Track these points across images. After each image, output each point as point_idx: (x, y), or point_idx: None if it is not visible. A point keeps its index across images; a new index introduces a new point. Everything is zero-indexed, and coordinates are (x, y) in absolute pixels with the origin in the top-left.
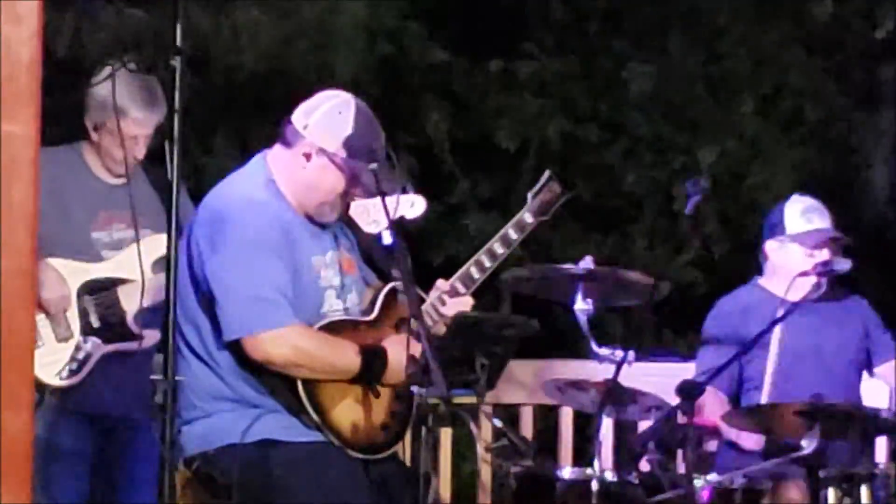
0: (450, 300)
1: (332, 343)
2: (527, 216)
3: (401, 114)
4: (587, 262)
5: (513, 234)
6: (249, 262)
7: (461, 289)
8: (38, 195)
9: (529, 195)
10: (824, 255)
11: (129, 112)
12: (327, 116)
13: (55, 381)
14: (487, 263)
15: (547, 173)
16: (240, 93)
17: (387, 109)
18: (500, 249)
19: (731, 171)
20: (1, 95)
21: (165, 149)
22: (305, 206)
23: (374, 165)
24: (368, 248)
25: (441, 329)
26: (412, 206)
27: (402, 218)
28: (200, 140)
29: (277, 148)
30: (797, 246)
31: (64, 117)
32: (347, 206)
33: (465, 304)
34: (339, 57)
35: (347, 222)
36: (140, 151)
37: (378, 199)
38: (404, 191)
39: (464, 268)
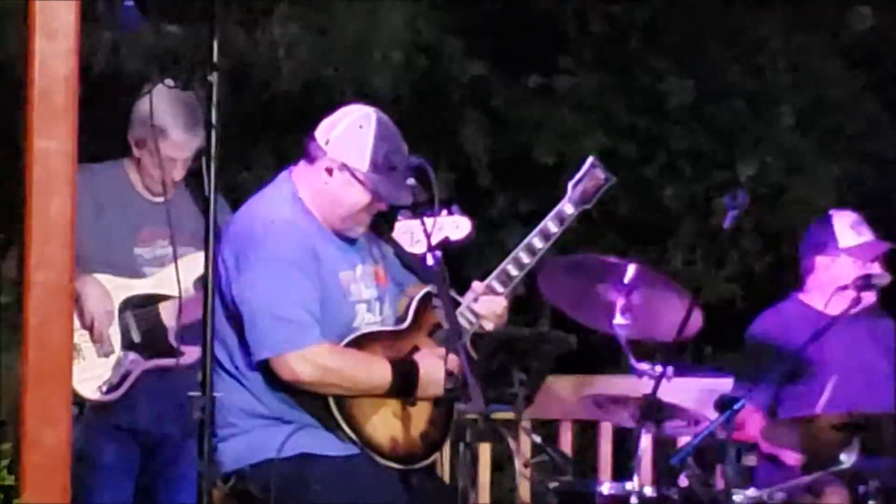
0: (483, 298)
1: (362, 360)
2: (567, 206)
3: (439, 129)
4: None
5: (552, 227)
6: (274, 281)
7: (498, 288)
8: (74, 211)
9: (570, 184)
10: (875, 268)
11: (169, 133)
12: (348, 131)
13: (95, 396)
14: (526, 260)
15: (590, 159)
16: (277, 108)
17: (425, 125)
18: (539, 244)
19: (771, 185)
20: (35, 111)
21: (202, 165)
22: (330, 221)
23: (411, 181)
24: (409, 262)
25: (484, 324)
26: (457, 227)
27: (446, 239)
28: (238, 155)
29: (302, 164)
30: (850, 260)
31: (107, 133)
32: (390, 223)
33: (498, 303)
34: (377, 72)
35: (378, 234)
36: (178, 174)
37: (426, 220)
38: (450, 212)
39: (502, 265)
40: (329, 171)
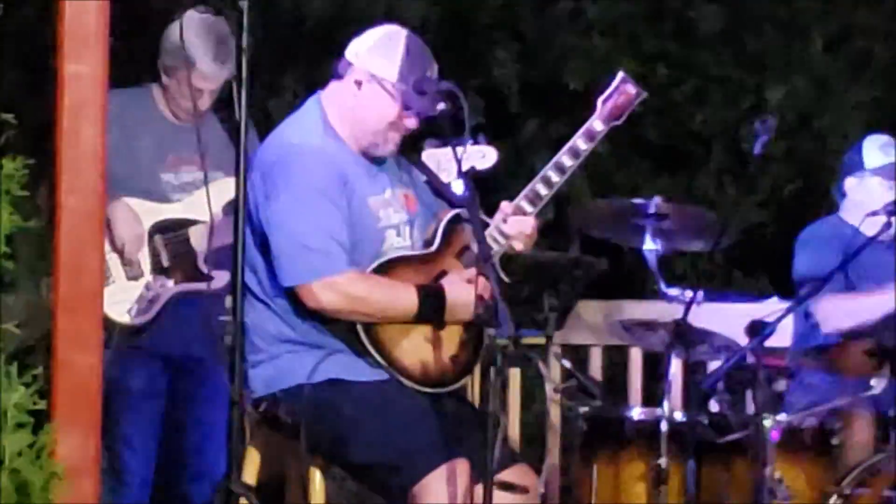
0: (511, 218)
1: (387, 287)
2: (596, 123)
3: (468, 55)
4: (656, 200)
5: (581, 145)
6: (301, 210)
7: (527, 207)
8: (105, 137)
9: (599, 100)
10: None
11: (198, 63)
12: (378, 43)
13: (124, 319)
14: (555, 178)
15: (620, 74)
16: (308, 34)
17: (454, 51)
18: (568, 162)
19: (800, 110)
20: (66, 34)
21: (233, 90)
22: (359, 139)
23: (441, 105)
24: (439, 187)
25: (514, 244)
26: (483, 157)
27: (472, 169)
28: (269, 82)
29: (331, 85)
30: (878, 180)
31: (136, 58)
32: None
33: (527, 222)
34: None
35: (408, 157)
36: (205, 103)
37: (448, 149)
38: (475, 141)
39: (530, 184)
40: (358, 84)
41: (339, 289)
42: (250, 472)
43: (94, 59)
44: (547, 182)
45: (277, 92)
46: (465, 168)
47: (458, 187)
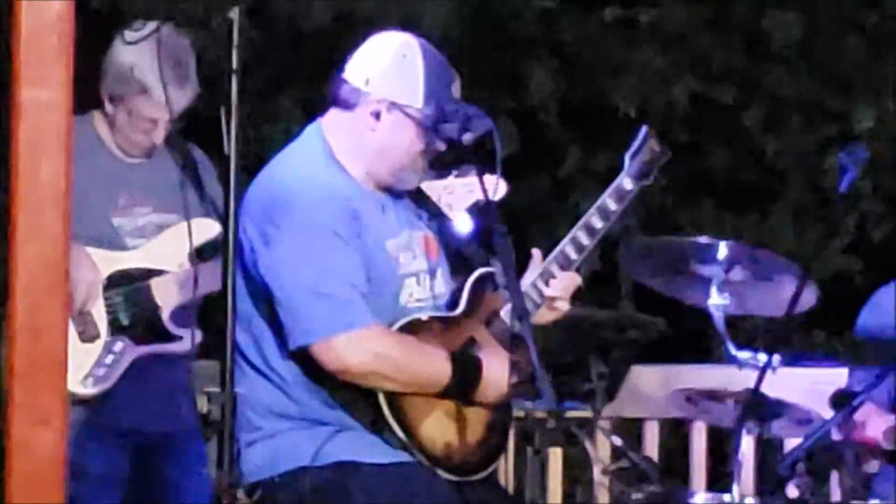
0: (555, 279)
1: (419, 349)
2: (626, 182)
3: (499, 72)
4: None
5: (611, 205)
6: (313, 253)
7: (557, 272)
8: (70, 172)
9: (627, 156)
10: None
11: (151, 90)
12: (392, 63)
13: (81, 390)
14: (585, 241)
15: (644, 129)
16: (308, 49)
17: (482, 67)
18: (598, 224)
19: (893, 138)
20: (21, 57)
21: (221, 117)
22: (379, 175)
23: (468, 136)
24: (446, 235)
25: (544, 316)
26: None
27: (479, 203)
28: (262, 105)
29: (333, 113)
30: None
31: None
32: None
33: (571, 279)
34: (425, 6)
35: (420, 195)
36: (159, 136)
37: (449, 181)
38: (482, 172)
39: (558, 247)
40: (376, 115)
41: (366, 346)
42: None
43: (56, 82)
44: (577, 245)
45: (272, 117)
46: (468, 202)
47: (463, 225)
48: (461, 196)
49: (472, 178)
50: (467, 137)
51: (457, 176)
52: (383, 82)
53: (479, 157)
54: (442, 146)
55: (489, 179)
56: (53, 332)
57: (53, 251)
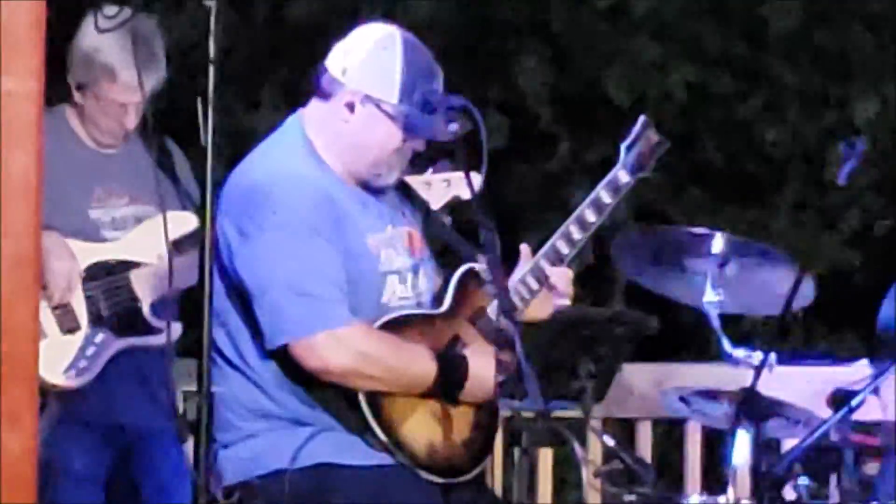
0: (554, 270)
1: (402, 347)
2: (621, 174)
3: (488, 61)
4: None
5: (605, 198)
6: (292, 249)
7: (548, 267)
8: (41, 165)
9: (622, 147)
10: None
11: (117, 73)
12: (370, 55)
13: (62, 381)
14: (577, 235)
15: (641, 119)
16: (291, 38)
17: (471, 56)
18: (591, 217)
19: (894, 128)
20: None
21: (198, 108)
22: (355, 169)
23: (454, 127)
24: (447, 235)
25: (537, 311)
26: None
27: (456, 199)
28: (243, 95)
29: (313, 103)
30: None
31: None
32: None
33: (562, 275)
34: None
35: (404, 189)
36: (131, 121)
37: (428, 176)
38: (473, 168)
39: (549, 242)
40: (350, 107)
41: (348, 344)
42: None
43: (27, 71)
44: (568, 239)
45: (254, 107)
46: (447, 198)
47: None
48: (438, 192)
49: (450, 174)
50: (453, 128)
51: (434, 172)
52: (359, 74)
53: (464, 152)
54: (420, 145)
55: (449, 176)
56: (24, 329)
57: (24, 247)
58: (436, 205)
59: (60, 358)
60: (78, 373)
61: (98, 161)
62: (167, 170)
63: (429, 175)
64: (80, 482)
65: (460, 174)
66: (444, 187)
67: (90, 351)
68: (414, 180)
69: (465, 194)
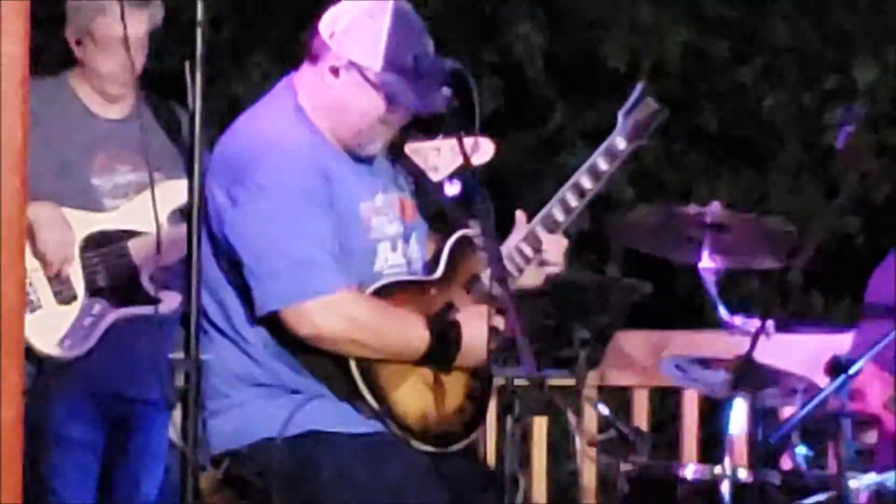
0: (548, 238)
1: (394, 315)
2: (618, 141)
3: (482, 24)
4: (715, 208)
5: (602, 165)
6: (283, 215)
7: (543, 234)
8: (27, 129)
9: (620, 114)
10: None
11: (107, 7)
12: (357, 22)
13: (56, 352)
14: (573, 202)
15: (639, 86)
16: (283, 0)
17: (465, 19)
18: (588, 184)
19: (894, 93)
20: None
21: (186, 72)
22: (340, 135)
23: (447, 91)
24: (429, 196)
25: (530, 279)
26: (477, 150)
27: (463, 167)
28: (234, 60)
29: (304, 67)
30: None
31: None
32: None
33: (556, 242)
34: None
35: (397, 157)
36: (138, 61)
37: (436, 142)
38: (467, 132)
39: (545, 209)
40: (334, 72)
41: (339, 311)
42: None
43: (12, 34)
44: (565, 206)
45: (244, 72)
46: (455, 165)
47: (451, 189)
48: (448, 158)
49: (461, 140)
50: (446, 92)
51: (444, 137)
52: (345, 39)
53: (458, 117)
54: (406, 118)
55: (471, 141)
56: (9, 297)
57: (9, 211)
58: (445, 170)
59: (56, 328)
60: (73, 343)
61: (102, 127)
62: (174, 137)
63: (439, 140)
64: (76, 449)
65: (468, 140)
66: (453, 154)
67: (87, 321)
68: (425, 146)
69: (474, 161)
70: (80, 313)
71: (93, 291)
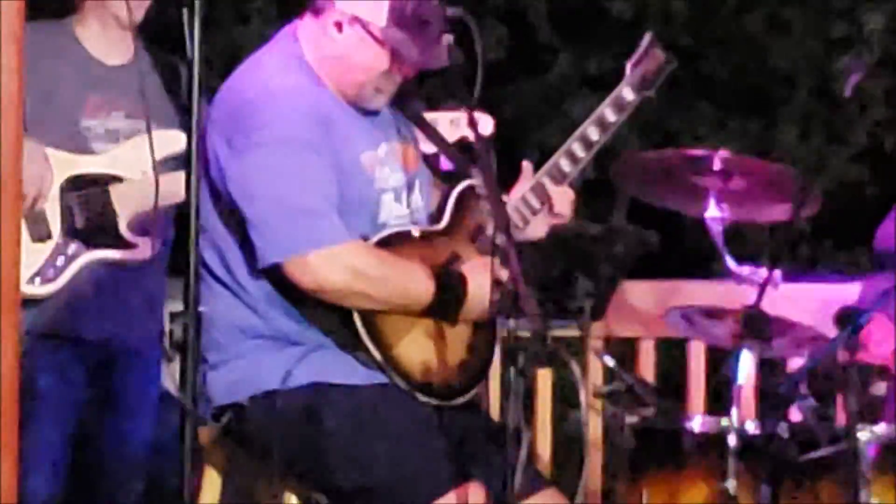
0: (555, 190)
1: (399, 266)
2: (626, 91)
3: None
4: (723, 153)
5: (610, 116)
6: (284, 165)
7: (550, 185)
8: (22, 78)
9: (628, 65)
10: None
11: None
12: None
13: (27, 289)
14: (580, 153)
15: (647, 36)
16: None
17: None
18: (594, 135)
19: None
20: None
21: (184, 20)
22: (344, 89)
23: (448, 38)
24: (442, 146)
25: (535, 231)
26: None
27: (464, 139)
28: (234, 5)
29: (307, 18)
30: None
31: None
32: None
33: (563, 194)
34: None
35: (399, 103)
36: (137, 5)
37: (441, 114)
38: (467, 106)
39: (552, 159)
40: (338, 26)
41: (343, 261)
42: (208, 499)
43: None
44: (571, 157)
45: (245, 19)
46: (455, 137)
47: (446, 161)
48: (447, 130)
49: (459, 114)
50: (447, 38)
51: (448, 97)
52: None
53: (460, 73)
54: (411, 72)
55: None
56: (5, 248)
57: (6, 162)
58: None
59: (28, 265)
60: (43, 281)
61: (100, 72)
62: (172, 88)
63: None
64: (51, 399)
65: (487, 118)
66: (455, 127)
67: (59, 261)
68: (444, 117)
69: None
70: (54, 251)
71: (69, 232)
